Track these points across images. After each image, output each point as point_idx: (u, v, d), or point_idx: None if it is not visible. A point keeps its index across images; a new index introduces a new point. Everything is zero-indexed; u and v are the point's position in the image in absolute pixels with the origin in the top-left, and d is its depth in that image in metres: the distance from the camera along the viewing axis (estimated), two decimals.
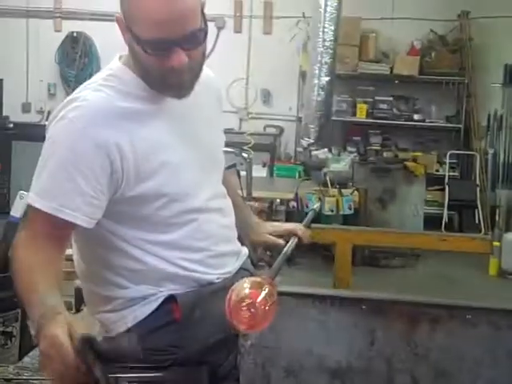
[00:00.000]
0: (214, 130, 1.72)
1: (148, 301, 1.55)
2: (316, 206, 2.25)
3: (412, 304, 1.52)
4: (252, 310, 1.30)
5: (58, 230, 1.47)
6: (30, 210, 1.49)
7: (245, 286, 1.34)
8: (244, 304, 1.31)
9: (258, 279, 1.37)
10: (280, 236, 1.94)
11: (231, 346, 1.59)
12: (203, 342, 1.52)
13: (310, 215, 2.09)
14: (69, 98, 1.54)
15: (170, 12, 1.41)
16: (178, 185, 1.56)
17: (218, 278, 1.61)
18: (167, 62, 1.45)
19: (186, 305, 1.53)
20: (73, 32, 8.76)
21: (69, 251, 3.20)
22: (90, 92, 1.51)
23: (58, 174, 1.46)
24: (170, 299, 1.54)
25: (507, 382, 1.52)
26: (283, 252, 1.78)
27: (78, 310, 2.56)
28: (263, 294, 1.33)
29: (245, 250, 1.83)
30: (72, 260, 3.23)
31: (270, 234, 1.95)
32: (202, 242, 1.60)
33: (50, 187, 1.46)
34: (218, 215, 1.66)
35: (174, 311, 1.53)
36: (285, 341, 1.59)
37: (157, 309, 1.54)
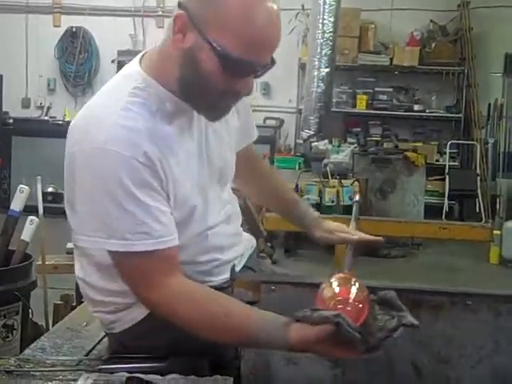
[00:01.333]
0: (228, 138, 1.62)
1: None
2: (358, 197, 2.20)
3: (412, 291, 1.52)
4: (348, 308, 1.25)
5: (170, 259, 1.40)
6: (131, 257, 1.36)
7: (333, 285, 1.29)
8: (337, 302, 1.25)
9: (342, 275, 1.32)
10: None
11: None
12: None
13: (356, 208, 2.05)
14: (94, 116, 1.40)
15: (273, 37, 1.33)
16: (200, 206, 1.51)
17: (217, 283, 1.59)
18: (238, 85, 1.37)
19: None
20: (72, 27, 8.77)
21: (69, 244, 3.22)
22: (123, 113, 1.37)
23: (133, 209, 1.34)
24: None
25: (508, 367, 1.52)
26: (348, 247, 1.77)
27: (79, 303, 2.57)
28: (354, 289, 1.27)
29: (252, 243, 1.83)
30: (72, 253, 3.24)
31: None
32: (208, 255, 1.58)
33: (134, 226, 1.34)
34: (225, 224, 1.63)
35: None
36: None
37: None
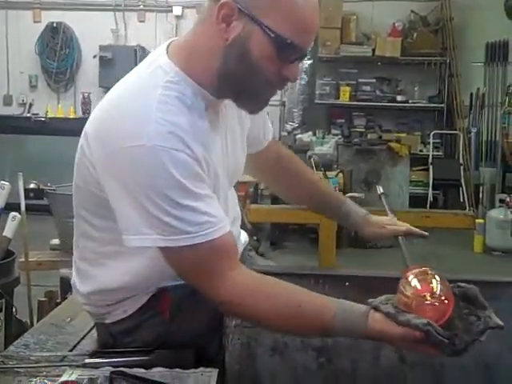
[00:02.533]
0: (240, 138, 1.60)
1: (138, 297, 1.52)
2: (382, 189, 2.19)
3: (393, 279, 1.52)
4: (435, 303, 1.23)
5: (229, 249, 1.37)
6: (191, 251, 1.31)
7: (413, 282, 1.26)
8: (422, 299, 1.23)
9: (417, 270, 1.29)
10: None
11: (221, 331, 1.59)
12: (193, 331, 1.51)
13: (384, 199, 2.05)
14: (129, 111, 1.31)
15: (317, 20, 1.35)
16: (223, 206, 1.49)
17: None
18: (286, 71, 1.35)
19: (174, 297, 1.51)
20: (52, 22, 8.69)
21: (54, 241, 3.20)
22: (161, 107, 1.31)
23: (188, 202, 1.29)
24: (159, 293, 1.52)
25: (490, 353, 1.54)
26: (400, 239, 1.80)
27: (63, 299, 2.56)
28: (436, 283, 1.24)
29: (244, 238, 1.82)
30: (57, 249, 3.23)
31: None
32: None
33: (192, 217, 1.30)
34: (231, 227, 1.63)
35: (163, 304, 1.51)
36: None
37: (147, 302, 1.52)
